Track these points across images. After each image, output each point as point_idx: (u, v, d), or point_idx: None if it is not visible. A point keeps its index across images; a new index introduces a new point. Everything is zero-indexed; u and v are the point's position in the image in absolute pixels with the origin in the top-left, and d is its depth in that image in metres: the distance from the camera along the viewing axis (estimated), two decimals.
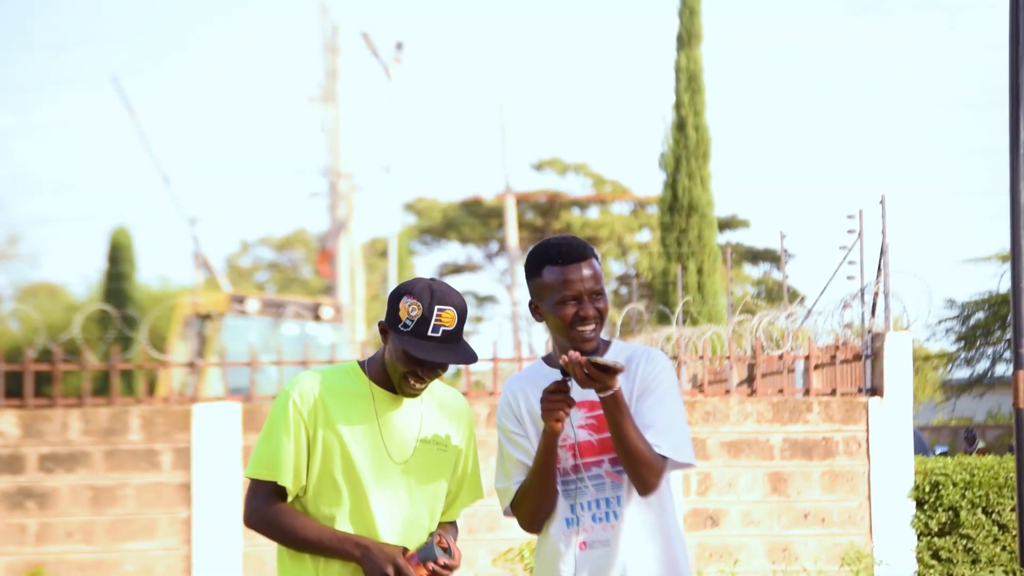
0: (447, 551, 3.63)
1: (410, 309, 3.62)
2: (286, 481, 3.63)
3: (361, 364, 3.75)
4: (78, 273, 62.07)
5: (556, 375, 3.73)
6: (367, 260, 33.22)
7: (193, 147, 63.71)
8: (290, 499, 3.67)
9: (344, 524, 3.63)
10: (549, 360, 3.87)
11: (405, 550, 3.62)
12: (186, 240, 42.45)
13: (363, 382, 3.71)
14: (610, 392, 3.57)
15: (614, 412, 3.61)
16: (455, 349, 3.62)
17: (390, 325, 3.66)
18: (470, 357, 3.64)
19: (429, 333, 3.59)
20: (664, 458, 3.68)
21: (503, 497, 3.84)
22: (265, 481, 3.66)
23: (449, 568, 3.60)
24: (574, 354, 3.53)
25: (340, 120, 26.36)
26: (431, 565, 3.57)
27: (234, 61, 68.85)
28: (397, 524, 3.66)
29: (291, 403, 3.64)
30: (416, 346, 3.59)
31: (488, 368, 10.34)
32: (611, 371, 3.52)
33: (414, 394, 3.67)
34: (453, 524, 3.88)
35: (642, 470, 3.65)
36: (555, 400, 3.58)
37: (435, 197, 40.23)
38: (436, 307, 3.61)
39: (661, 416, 3.70)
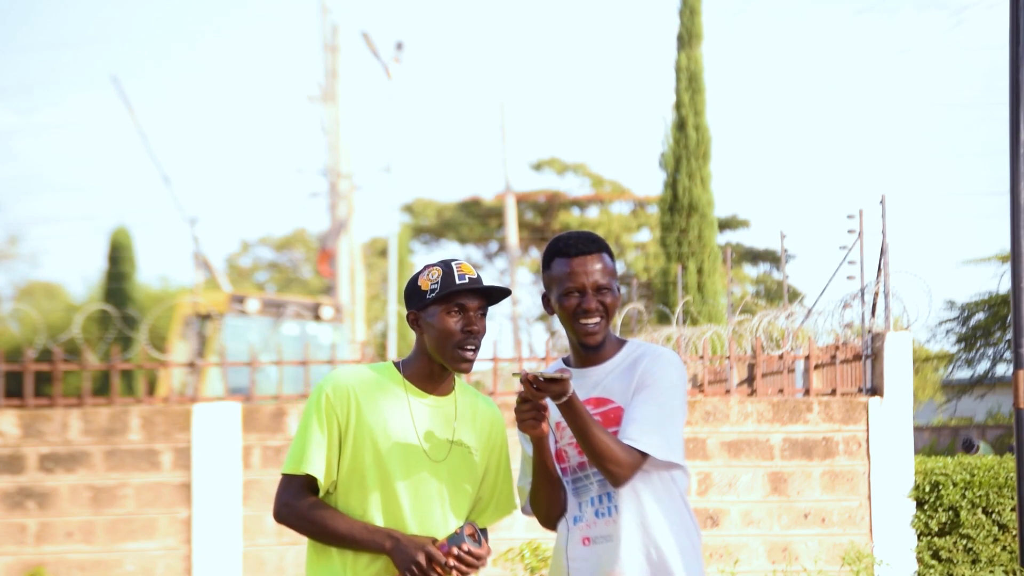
0: (477, 541, 3.64)
1: (430, 276, 3.71)
2: (317, 472, 3.63)
3: (396, 364, 3.78)
4: (78, 273, 62.07)
5: (575, 373, 3.80)
6: (367, 260, 33.24)
7: (193, 147, 63.79)
8: (321, 494, 3.69)
9: (373, 519, 3.65)
10: (568, 360, 3.90)
11: (434, 540, 3.63)
12: (186, 240, 42.54)
13: (398, 380, 3.73)
14: (564, 399, 3.59)
15: (570, 415, 3.64)
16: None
17: (418, 306, 3.72)
18: (506, 289, 3.73)
19: (458, 281, 3.67)
20: (638, 453, 3.69)
21: (522, 495, 3.91)
22: (296, 475, 3.67)
23: (475, 556, 3.61)
24: (525, 371, 3.56)
25: (340, 120, 26.35)
26: (455, 550, 3.58)
27: (234, 61, 68.87)
28: (427, 521, 3.68)
29: (324, 397, 3.67)
30: (452, 290, 3.65)
31: (488, 368, 10.35)
32: (557, 382, 3.55)
33: (467, 362, 3.69)
34: (484, 532, 3.89)
35: (607, 465, 3.67)
36: (524, 410, 3.60)
37: (434, 198, 40.25)
38: (452, 263, 3.71)
39: (645, 412, 3.71)
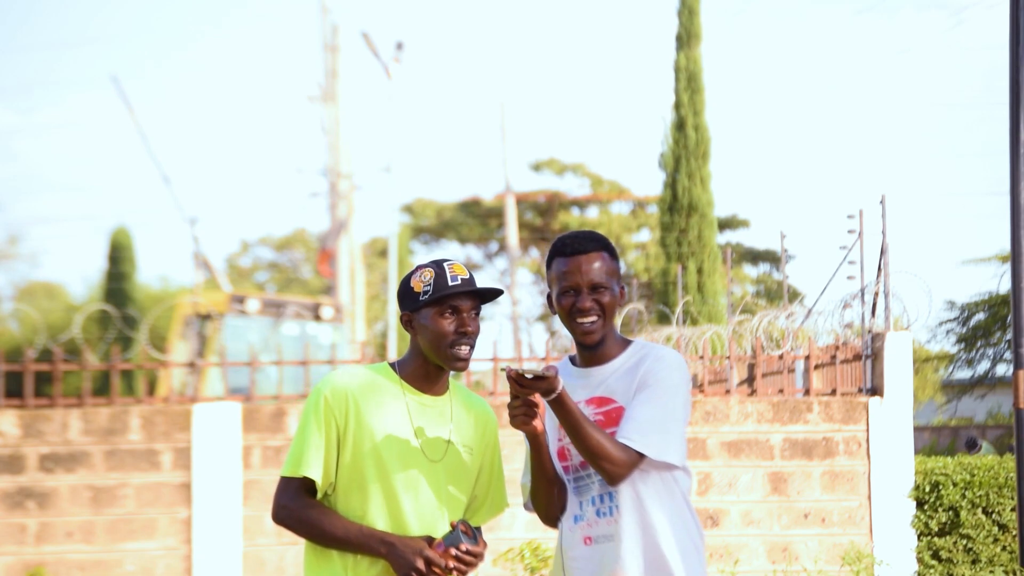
0: (472, 538, 3.63)
1: (422, 277, 3.69)
2: (315, 474, 3.63)
3: (392, 365, 3.77)
4: (78, 273, 62.06)
5: (578, 373, 3.81)
6: (367, 260, 33.23)
7: (193, 147, 63.80)
8: (319, 495, 3.68)
9: (374, 521, 3.64)
10: (574, 360, 3.90)
11: (431, 540, 3.63)
12: (186, 240, 42.55)
13: (395, 381, 3.73)
14: (552, 396, 3.58)
15: (561, 413, 3.64)
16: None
17: (411, 308, 3.71)
18: (498, 289, 3.72)
19: (450, 283, 3.66)
20: (634, 452, 3.68)
21: (524, 492, 3.90)
22: (294, 478, 3.67)
23: (473, 555, 3.61)
24: (510, 369, 3.55)
25: (340, 120, 26.35)
26: (454, 551, 3.57)
27: (234, 61, 68.89)
28: (427, 521, 3.67)
29: (322, 399, 3.67)
30: (445, 292, 3.64)
31: (488, 368, 10.35)
32: (543, 379, 3.54)
33: (463, 360, 3.68)
34: (477, 529, 3.90)
35: (600, 463, 3.67)
36: (515, 407, 3.60)
37: (434, 198, 40.24)
38: (444, 264, 3.71)
39: (644, 412, 3.71)
